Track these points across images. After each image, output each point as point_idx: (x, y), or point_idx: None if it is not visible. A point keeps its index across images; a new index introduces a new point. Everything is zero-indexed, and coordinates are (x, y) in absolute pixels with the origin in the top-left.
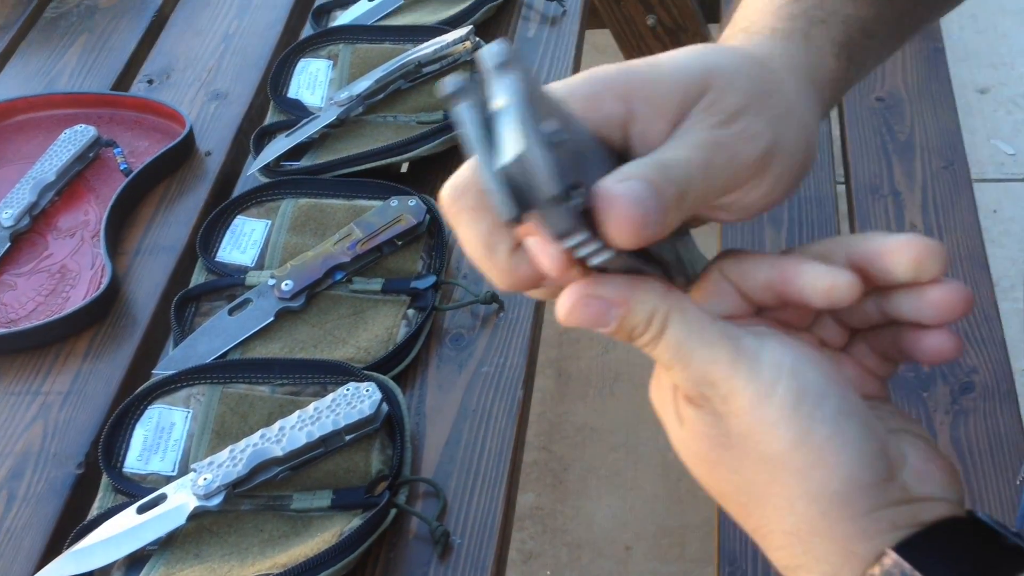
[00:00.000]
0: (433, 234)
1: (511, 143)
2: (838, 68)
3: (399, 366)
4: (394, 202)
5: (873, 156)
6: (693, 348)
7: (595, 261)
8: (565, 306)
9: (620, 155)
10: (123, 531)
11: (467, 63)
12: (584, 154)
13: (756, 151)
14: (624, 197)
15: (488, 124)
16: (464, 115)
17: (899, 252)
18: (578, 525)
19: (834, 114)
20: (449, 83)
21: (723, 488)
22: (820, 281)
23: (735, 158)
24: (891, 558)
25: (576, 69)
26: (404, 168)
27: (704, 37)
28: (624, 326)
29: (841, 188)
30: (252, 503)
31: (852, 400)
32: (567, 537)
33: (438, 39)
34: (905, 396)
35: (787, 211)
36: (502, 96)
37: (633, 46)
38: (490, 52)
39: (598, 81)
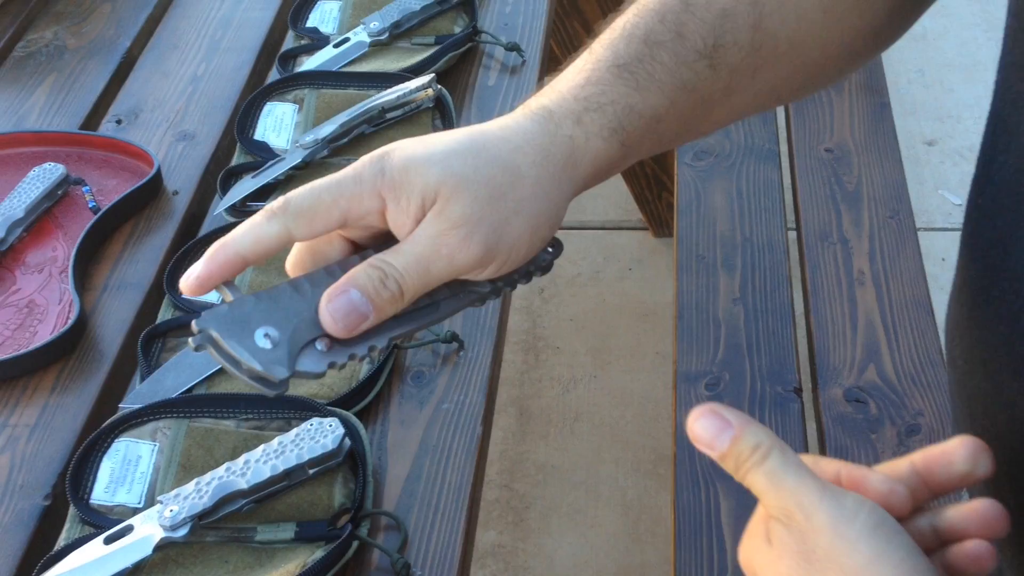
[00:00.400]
0: None
1: (242, 363)
2: (607, 149)
3: (362, 402)
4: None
5: (822, 205)
6: (787, 476)
7: (375, 349)
8: (694, 413)
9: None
10: (90, 561)
11: (429, 109)
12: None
13: (471, 256)
14: (331, 317)
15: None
16: (212, 355)
17: (957, 449)
18: (539, 563)
19: (785, 164)
20: (192, 340)
21: None
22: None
23: (453, 259)
24: None
25: None
26: None
27: None
28: (734, 448)
29: (793, 234)
30: (217, 535)
31: (919, 548)
32: (529, 575)
33: (401, 86)
34: (854, 438)
35: (740, 257)
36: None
37: None
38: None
39: (363, 182)
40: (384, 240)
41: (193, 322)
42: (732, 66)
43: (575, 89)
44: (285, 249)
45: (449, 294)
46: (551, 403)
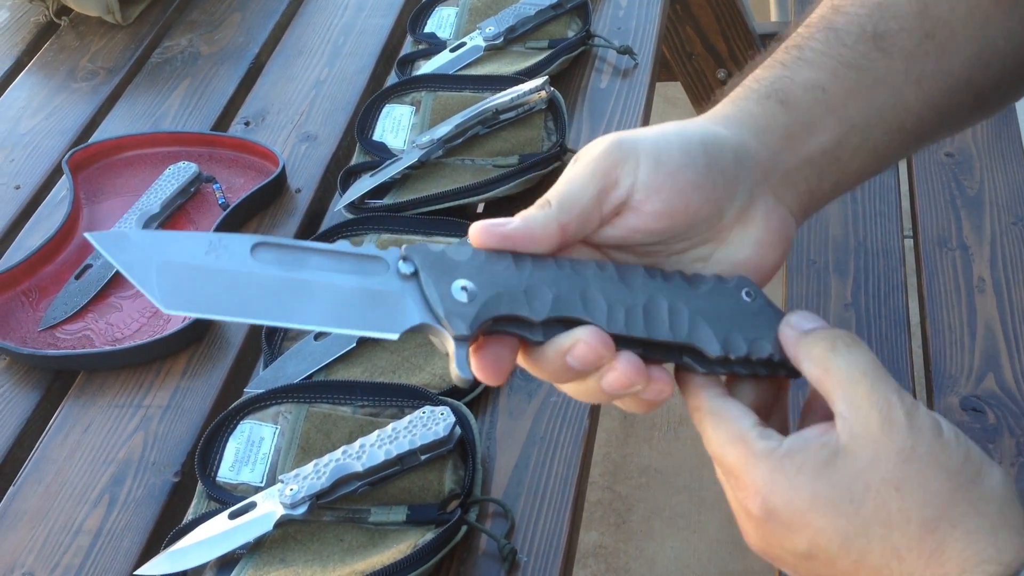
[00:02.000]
0: None
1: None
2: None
3: (472, 393)
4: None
5: (942, 210)
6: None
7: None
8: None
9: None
10: (216, 535)
11: (541, 111)
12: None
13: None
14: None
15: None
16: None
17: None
18: (640, 565)
19: (903, 168)
20: (402, 264)
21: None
22: None
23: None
24: None
25: (646, 121)
26: (480, 208)
27: None
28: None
29: (909, 242)
30: (333, 515)
31: None
32: None
33: (515, 88)
34: None
35: (853, 261)
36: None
37: (704, 99)
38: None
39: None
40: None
41: (403, 247)
42: (906, 50)
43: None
44: None
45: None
46: None
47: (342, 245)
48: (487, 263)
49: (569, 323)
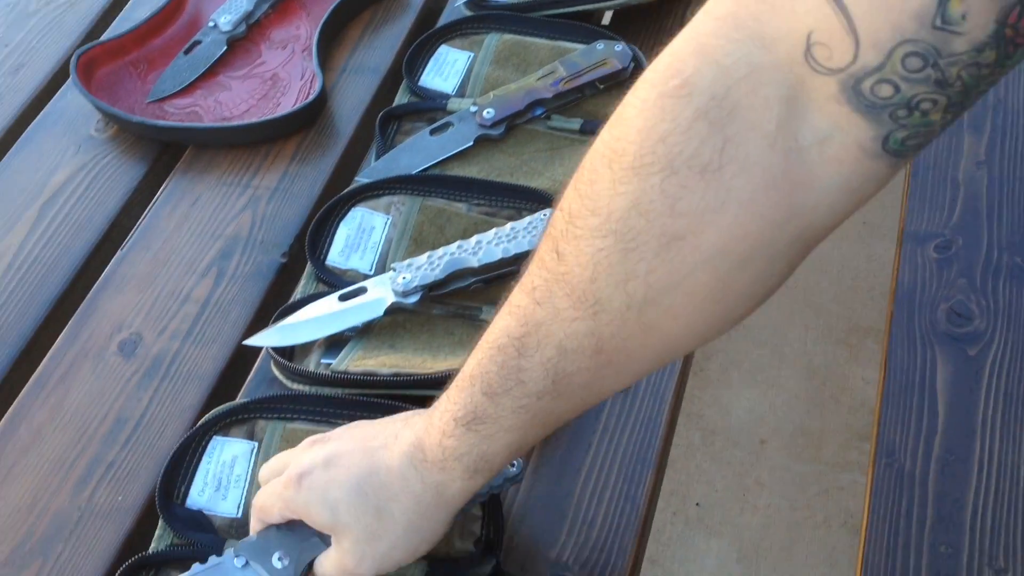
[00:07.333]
0: None
1: None
2: (473, 483)
3: None
4: (600, 45)
5: None
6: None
7: None
8: None
9: None
10: (325, 314)
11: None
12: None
13: (368, 572)
14: None
15: None
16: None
17: None
18: (714, 412)
19: None
20: (236, 560)
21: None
22: None
23: (355, 572)
24: None
25: None
26: (607, 19)
27: None
28: None
29: None
30: (443, 309)
31: None
32: (702, 423)
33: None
34: None
35: (991, 119)
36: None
37: None
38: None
39: (285, 501)
40: None
41: (232, 549)
42: (582, 383)
43: (439, 434)
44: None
45: None
46: None
47: (197, 568)
48: (288, 531)
49: None
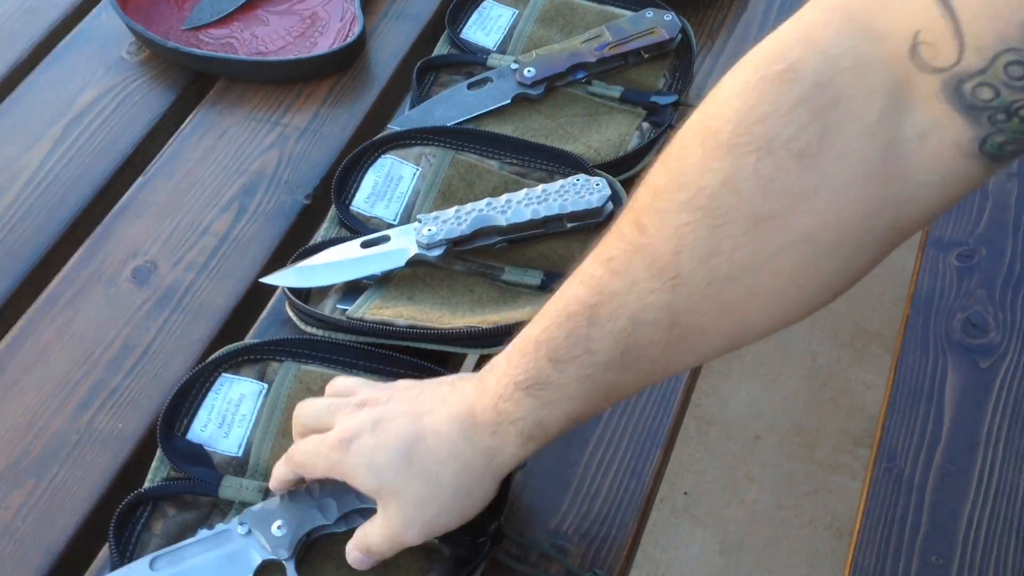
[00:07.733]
0: (681, 55)
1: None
2: (524, 449)
3: (625, 174)
4: (649, 13)
5: None
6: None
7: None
8: None
9: None
10: (345, 259)
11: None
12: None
13: (415, 539)
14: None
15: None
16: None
17: None
18: (713, 403)
19: None
20: (240, 528)
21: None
22: None
23: (404, 541)
24: None
25: None
26: None
27: None
28: None
29: None
30: (465, 266)
31: None
32: (699, 412)
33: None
34: None
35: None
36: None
37: None
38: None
39: (332, 464)
40: None
41: (238, 517)
42: (651, 358)
43: (495, 398)
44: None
45: None
46: None
47: (203, 534)
48: (291, 501)
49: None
